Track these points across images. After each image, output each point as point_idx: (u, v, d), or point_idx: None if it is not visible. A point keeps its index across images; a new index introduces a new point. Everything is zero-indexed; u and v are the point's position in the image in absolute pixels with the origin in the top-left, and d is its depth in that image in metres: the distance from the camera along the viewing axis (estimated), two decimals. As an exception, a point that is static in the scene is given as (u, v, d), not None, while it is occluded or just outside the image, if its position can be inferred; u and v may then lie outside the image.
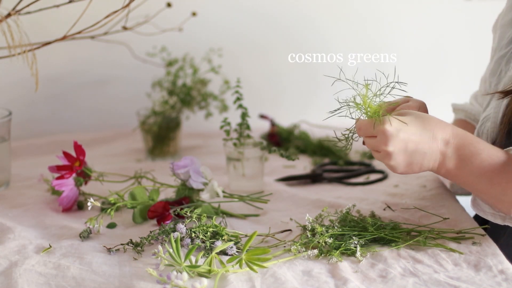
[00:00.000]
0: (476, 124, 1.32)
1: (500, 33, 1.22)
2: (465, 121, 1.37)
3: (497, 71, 1.19)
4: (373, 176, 1.41)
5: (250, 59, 1.80)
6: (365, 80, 1.04)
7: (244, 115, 1.33)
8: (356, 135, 1.08)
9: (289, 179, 1.38)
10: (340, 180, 1.39)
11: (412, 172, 1.04)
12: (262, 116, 1.67)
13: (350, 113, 1.05)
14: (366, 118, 1.05)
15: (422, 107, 1.10)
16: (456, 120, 1.39)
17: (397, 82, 1.04)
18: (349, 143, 1.09)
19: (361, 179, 1.40)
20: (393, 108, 1.09)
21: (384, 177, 1.39)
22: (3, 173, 1.35)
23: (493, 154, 1.03)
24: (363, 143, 1.08)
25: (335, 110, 1.06)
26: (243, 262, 0.96)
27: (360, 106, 1.04)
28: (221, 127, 1.32)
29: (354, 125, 1.08)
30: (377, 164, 1.47)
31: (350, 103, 1.05)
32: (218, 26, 1.76)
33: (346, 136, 1.10)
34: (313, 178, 1.39)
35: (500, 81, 1.17)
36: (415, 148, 1.02)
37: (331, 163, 1.49)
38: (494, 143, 1.14)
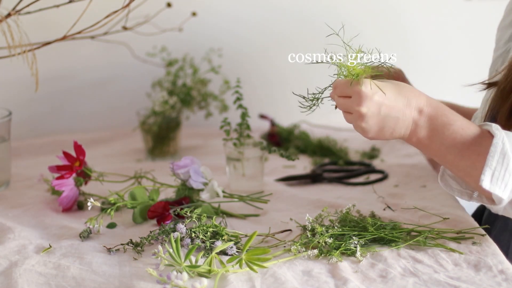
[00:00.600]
0: None
1: (499, 35, 1.23)
2: None
3: (493, 71, 1.19)
4: (373, 176, 1.41)
5: (250, 59, 1.80)
6: (360, 46, 1.05)
7: (244, 115, 1.33)
8: (324, 95, 1.07)
9: (289, 179, 1.38)
10: (340, 180, 1.39)
11: (383, 137, 1.04)
12: (262, 116, 1.67)
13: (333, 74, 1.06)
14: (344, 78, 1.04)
15: (401, 76, 1.13)
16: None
17: (386, 62, 1.05)
18: (316, 104, 1.09)
19: (361, 179, 1.40)
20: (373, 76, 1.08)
21: (384, 177, 1.39)
22: (3, 173, 1.35)
23: (466, 127, 1.02)
24: (335, 107, 1.07)
25: (316, 62, 1.07)
26: (243, 262, 0.96)
27: (343, 65, 1.04)
28: (221, 127, 1.31)
29: (326, 86, 1.08)
30: (377, 164, 1.47)
31: (334, 60, 1.05)
32: (218, 26, 1.76)
33: (315, 96, 1.09)
34: (313, 178, 1.39)
35: (496, 74, 1.17)
36: (388, 112, 1.01)
37: (331, 163, 1.48)
38: None
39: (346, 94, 1.04)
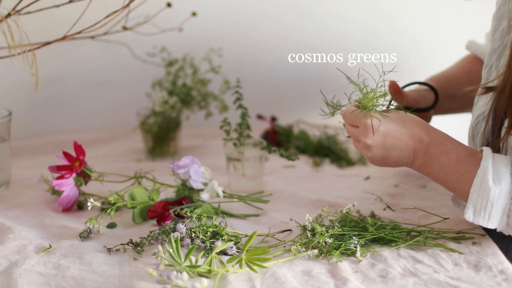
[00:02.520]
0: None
1: (494, 25, 1.22)
2: (473, 56, 1.42)
3: (488, 64, 1.19)
4: None
5: (250, 59, 1.80)
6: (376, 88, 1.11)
7: (244, 115, 1.33)
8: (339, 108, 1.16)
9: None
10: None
11: (388, 165, 1.11)
12: (260, 117, 1.67)
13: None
14: (354, 105, 1.12)
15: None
16: (466, 57, 1.45)
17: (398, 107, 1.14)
18: (333, 113, 1.17)
19: None
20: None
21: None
22: (3, 173, 1.35)
23: (461, 154, 1.06)
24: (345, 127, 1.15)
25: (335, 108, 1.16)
26: (243, 262, 0.96)
27: (361, 90, 1.11)
28: (221, 127, 1.31)
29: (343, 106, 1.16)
30: None
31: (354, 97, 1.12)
32: (218, 26, 1.76)
33: (334, 107, 1.17)
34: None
35: (489, 76, 1.17)
36: (392, 143, 1.08)
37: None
38: (488, 144, 1.14)
39: (354, 124, 1.10)
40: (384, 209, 1.21)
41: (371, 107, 1.10)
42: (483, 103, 1.16)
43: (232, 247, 1.03)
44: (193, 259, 0.98)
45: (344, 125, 1.15)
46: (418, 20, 1.87)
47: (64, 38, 1.29)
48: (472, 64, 1.41)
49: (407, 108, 1.16)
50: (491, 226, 1.02)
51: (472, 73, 1.38)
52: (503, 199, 1.01)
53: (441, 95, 1.34)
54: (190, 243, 1.06)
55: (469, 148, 1.07)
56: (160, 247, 0.97)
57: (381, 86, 1.11)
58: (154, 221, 1.18)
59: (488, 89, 1.11)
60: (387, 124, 1.08)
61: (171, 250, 0.96)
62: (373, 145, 1.08)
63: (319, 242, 1.04)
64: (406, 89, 1.34)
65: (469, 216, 1.02)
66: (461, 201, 1.09)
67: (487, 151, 1.04)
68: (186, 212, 1.14)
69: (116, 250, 1.07)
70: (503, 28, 1.17)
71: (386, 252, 1.03)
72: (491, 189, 1.00)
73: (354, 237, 1.05)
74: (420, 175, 1.37)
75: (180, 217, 1.17)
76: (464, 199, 1.05)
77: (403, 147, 1.08)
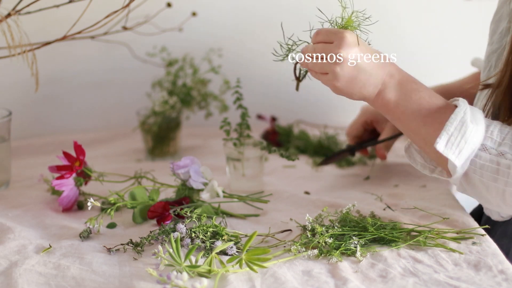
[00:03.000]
0: None
1: (493, 28, 1.22)
2: (479, 73, 1.40)
3: (487, 66, 1.19)
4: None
5: (250, 59, 1.80)
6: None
7: (244, 115, 1.33)
8: (295, 47, 1.13)
9: (328, 160, 1.38)
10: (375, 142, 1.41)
11: (351, 91, 1.06)
12: (260, 117, 1.67)
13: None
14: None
15: None
16: (473, 73, 1.45)
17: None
18: (287, 55, 1.15)
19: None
20: None
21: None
22: (3, 173, 1.35)
23: (433, 96, 1.05)
24: (295, 69, 1.15)
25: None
26: (243, 262, 0.96)
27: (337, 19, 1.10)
28: (221, 127, 1.31)
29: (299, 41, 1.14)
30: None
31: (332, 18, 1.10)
32: (218, 26, 1.76)
33: (290, 46, 1.15)
34: (350, 151, 1.40)
35: (489, 76, 1.17)
36: (364, 66, 1.05)
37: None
38: None
39: (328, 39, 1.07)
40: (384, 209, 1.21)
41: (351, 24, 1.08)
42: (481, 100, 1.16)
43: (232, 247, 1.03)
44: (193, 259, 0.98)
45: (302, 52, 1.11)
46: (418, 20, 1.87)
47: (64, 38, 1.29)
48: (477, 80, 1.40)
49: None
50: (457, 162, 1.01)
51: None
52: (475, 140, 1.01)
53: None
54: (190, 243, 1.06)
55: (440, 96, 1.07)
56: (160, 247, 0.97)
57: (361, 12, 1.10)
58: (154, 221, 1.18)
59: (487, 86, 1.12)
60: (366, 45, 1.07)
61: (171, 250, 0.96)
62: (345, 59, 1.03)
63: (319, 242, 1.04)
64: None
65: (440, 146, 1.01)
66: (416, 154, 1.09)
67: (462, 99, 1.04)
68: (186, 212, 1.14)
69: (116, 250, 1.07)
70: (502, 30, 1.18)
71: (386, 252, 1.03)
72: (469, 126, 1.00)
73: (354, 237, 1.05)
74: (421, 175, 1.37)
75: (180, 217, 1.17)
76: (425, 141, 1.05)
77: (373, 74, 1.05)
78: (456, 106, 1.04)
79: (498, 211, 1.15)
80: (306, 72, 1.19)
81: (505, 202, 1.03)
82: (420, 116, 1.04)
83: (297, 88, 1.20)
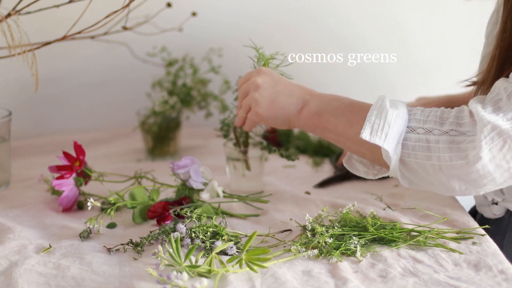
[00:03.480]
0: None
1: (489, 30, 1.23)
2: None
3: (483, 68, 1.19)
4: None
5: (250, 59, 1.80)
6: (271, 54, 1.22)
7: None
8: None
9: (324, 183, 1.38)
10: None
11: (274, 112, 1.13)
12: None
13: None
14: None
15: None
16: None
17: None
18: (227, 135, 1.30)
19: None
20: None
21: None
22: (3, 173, 1.35)
23: (354, 100, 1.09)
24: (235, 134, 1.27)
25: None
26: (243, 262, 0.96)
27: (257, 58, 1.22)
28: (220, 128, 1.32)
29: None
30: None
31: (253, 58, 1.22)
32: (218, 26, 1.76)
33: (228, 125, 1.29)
34: (341, 178, 1.39)
35: (477, 74, 1.18)
36: (281, 89, 1.12)
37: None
38: None
39: (247, 77, 1.17)
40: (384, 209, 1.21)
41: (267, 62, 1.20)
42: None
43: (232, 247, 1.03)
44: (193, 259, 0.98)
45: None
46: (418, 20, 1.87)
47: (64, 38, 1.29)
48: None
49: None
50: (386, 146, 1.01)
51: None
52: (399, 122, 1.02)
53: None
54: (190, 243, 1.06)
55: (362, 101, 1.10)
56: (160, 247, 0.97)
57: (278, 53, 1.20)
58: (154, 221, 1.18)
59: (474, 83, 1.12)
60: (279, 75, 1.15)
61: (171, 250, 0.96)
62: (262, 85, 1.12)
63: (319, 242, 1.04)
64: None
65: (365, 135, 1.02)
66: (357, 164, 1.12)
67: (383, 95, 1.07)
68: (186, 212, 1.14)
69: (116, 250, 1.07)
70: (497, 32, 1.18)
71: (386, 252, 1.03)
72: (389, 111, 1.02)
73: (354, 237, 1.05)
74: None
75: (180, 217, 1.17)
76: (356, 142, 1.07)
77: (292, 94, 1.12)
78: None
79: (450, 195, 1.13)
80: (242, 131, 1.30)
81: (447, 178, 1.00)
82: (344, 118, 1.07)
83: (248, 168, 1.32)
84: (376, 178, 1.10)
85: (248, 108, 1.17)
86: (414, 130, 1.02)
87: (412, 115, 1.03)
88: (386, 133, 1.01)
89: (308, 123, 1.11)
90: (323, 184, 1.37)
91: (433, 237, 1.07)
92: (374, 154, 1.06)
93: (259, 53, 1.21)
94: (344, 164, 1.13)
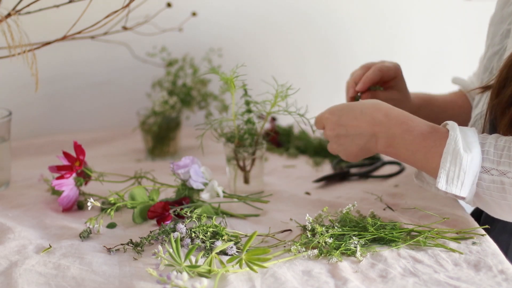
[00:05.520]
0: (470, 98, 1.38)
1: (493, 30, 1.22)
2: (462, 92, 1.41)
3: (489, 68, 1.19)
4: (390, 168, 1.43)
5: (250, 59, 1.80)
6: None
7: (249, 120, 1.33)
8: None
9: (321, 180, 1.38)
10: (367, 175, 1.40)
11: (355, 157, 1.15)
12: (260, 117, 1.67)
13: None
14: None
15: (398, 68, 1.27)
16: (454, 91, 1.44)
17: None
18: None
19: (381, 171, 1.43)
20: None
21: (402, 169, 1.41)
22: (3, 173, 1.35)
23: (425, 130, 1.07)
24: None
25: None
26: (243, 262, 0.96)
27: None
28: (221, 133, 1.31)
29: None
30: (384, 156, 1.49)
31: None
32: (218, 26, 1.76)
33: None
34: (341, 176, 1.39)
35: (492, 78, 1.17)
36: (351, 131, 1.13)
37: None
38: None
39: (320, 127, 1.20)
40: (384, 209, 1.21)
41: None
42: (482, 103, 1.17)
43: (232, 247, 1.03)
44: (193, 259, 0.98)
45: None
46: (418, 21, 1.87)
47: (64, 38, 1.29)
48: (459, 98, 1.41)
49: None
50: (463, 194, 1.03)
51: (458, 106, 1.39)
52: (474, 166, 1.02)
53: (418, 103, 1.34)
54: (190, 243, 1.06)
55: (431, 123, 1.09)
56: (160, 247, 0.97)
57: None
58: (154, 221, 1.18)
59: (487, 88, 1.12)
60: (334, 115, 1.14)
61: (171, 250, 0.96)
62: (332, 138, 1.15)
63: (319, 242, 1.04)
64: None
65: (441, 184, 1.03)
66: (424, 177, 1.11)
67: (452, 123, 1.06)
68: (186, 212, 1.14)
69: (116, 250, 1.07)
70: (503, 32, 1.18)
71: (386, 252, 1.03)
72: (463, 157, 1.02)
73: (354, 237, 1.05)
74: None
75: (180, 217, 1.17)
76: (434, 175, 1.07)
77: (362, 132, 1.12)
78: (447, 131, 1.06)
79: None
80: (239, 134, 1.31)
81: None
82: (421, 153, 1.07)
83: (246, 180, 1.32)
84: (447, 195, 1.10)
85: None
86: (488, 172, 1.02)
87: (485, 153, 1.03)
88: (462, 180, 1.03)
89: (387, 154, 1.12)
90: (323, 179, 1.37)
91: (433, 237, 1.07)
92: None
93: (219, 74, 1.24)
94: (415, 178, 1.14)
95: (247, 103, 1.32)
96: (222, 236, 1.07)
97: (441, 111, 1.35)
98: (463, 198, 1.06)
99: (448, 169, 1.03)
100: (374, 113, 1.10)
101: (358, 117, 1.11)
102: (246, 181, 1.30)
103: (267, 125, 1.66)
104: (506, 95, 1.06)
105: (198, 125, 1.29)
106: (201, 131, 1.28)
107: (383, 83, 1.29)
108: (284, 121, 1.69)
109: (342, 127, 1.13)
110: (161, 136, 1.55)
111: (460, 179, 1.02)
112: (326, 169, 1.47)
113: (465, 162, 1.02)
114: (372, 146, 1.12)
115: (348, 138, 1.13)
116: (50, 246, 1.08)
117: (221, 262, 0.98)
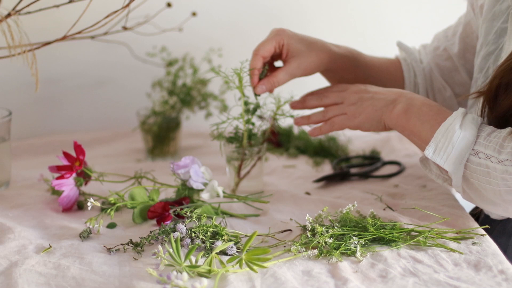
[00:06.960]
0: (407, 67, 1.40)
1: (485, 27, 1.20)
2: (397, 60, 1.42)
3: (484, 68, 1.18)
4: (391, 168, 1.44)
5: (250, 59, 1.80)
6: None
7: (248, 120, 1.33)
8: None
9: (321, 180, 1.38)
10: (367, 175, 1.40)
11: (366, 115, 1.19)
12: (260, 117, 1.67)
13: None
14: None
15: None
16: (389, 58, 1.44)
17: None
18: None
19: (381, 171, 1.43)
20: None
21: (402, 169, 1.41)
22: (3, 173, 1.35)
23: (442, 108, 1.11)
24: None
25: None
26: (243, 262, 0.96)
27: None
28: (218, 136, 1.31)
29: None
30: (385, 156, 1.48)
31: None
32: (218, 26, 1.76)
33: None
34: (341, 176, 1.39)
35: (487, 79, 1.17)
36: (370, 96, 1.19)
37: (345, 159, 1.49)
38: None
39: (343, 88, 1.25)
40: (384, 209, 1.21)
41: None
42: (474, 109, 1.17)
43: (232, 247, 1.03)
44: (193, 259, 0.98)
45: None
46: (418, 21, 1.87)
47: (64, 38, 1.29)
48: (392, 65, 1.41)
49: None
50: (446, 167, 1.06)
51: (388, 72, 1.40)
52: (463, 144, 1.04)
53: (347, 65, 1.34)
54: (190, 243, 1.06)
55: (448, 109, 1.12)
56: (160, 247, 0.97)
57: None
58: (154, 221, 1.18)
59: (482, 94, 1.12)
60: (363, 85, 1.24)
61: (171, 250, 0.96)
62: (347, 99, 1.21)
63: (319, 242, 1.04)
64: None
65: (428, 152, 1.07)
66: (432, 164, 1.12)
67: (462, 109, 1.09)
68: (186, 212, 1.14)
69: (116, 250, 1.07)
70: (496, 30, 1.17)
71: (386, 252, 1.03)
72: (455, 132, 1.05)
73: (354, 237, 1.05)
74: (420, 175, 1.37)
75: (180, 217, 1.17)
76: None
77: (385, 98, 1.17)
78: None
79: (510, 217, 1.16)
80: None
81: (506, 203, 1.04)
82: (429, 124, 1.10)
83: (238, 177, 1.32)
84: (443, 184, 1.13)
85: (339, 113, 1.23)
86: (477, 154, 1.04)
87: (479, 137, 1.05)
88: (449, 153, 1.05)
89: (398, 123, 1.15)
90: (323, 179, 1.37)
91: (433, 237, 1.07)
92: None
93: (219, 73, 1.27)
94: (419, 162, 1.15)
95: (256, 106, 1.32)
96: (222, 236, 1.07)
97: (367, 70, 1.35)
98: (446, 172, 1.09)
99: (438, 140, 1.06)
100: (403, 91, 1.17)
101: (388, 90, 1.19)
102: (239, 179, 1.30)
103: (267, 125, 1.66)
104: (500, 110, 1.08)
105: (214, 124, 1.29)
106: (216, 131, 1.29)
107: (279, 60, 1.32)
108: (284, 121, 1.69)
109: (369, 93, 1.19)
110: (161, 136, 1.55)
111: (447, 151, 1.05)
112: (326, 169, 1.47)
113: (456, 137, 1.05)
114: (387, 112, 1.15)
115: (369, 101, 1.18)
116: (50, 246, 1.08)
117: (221, 262, 0.98)
